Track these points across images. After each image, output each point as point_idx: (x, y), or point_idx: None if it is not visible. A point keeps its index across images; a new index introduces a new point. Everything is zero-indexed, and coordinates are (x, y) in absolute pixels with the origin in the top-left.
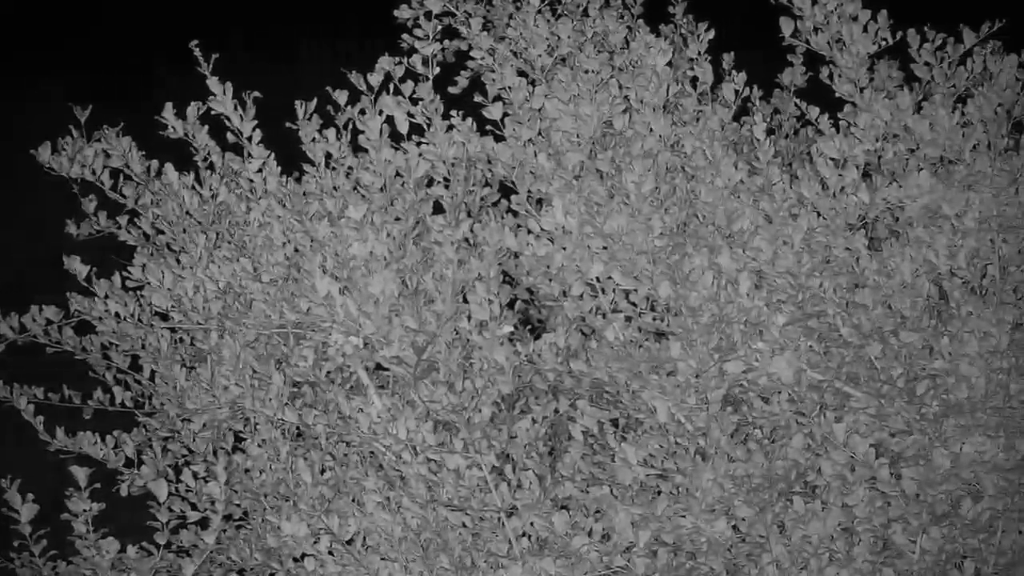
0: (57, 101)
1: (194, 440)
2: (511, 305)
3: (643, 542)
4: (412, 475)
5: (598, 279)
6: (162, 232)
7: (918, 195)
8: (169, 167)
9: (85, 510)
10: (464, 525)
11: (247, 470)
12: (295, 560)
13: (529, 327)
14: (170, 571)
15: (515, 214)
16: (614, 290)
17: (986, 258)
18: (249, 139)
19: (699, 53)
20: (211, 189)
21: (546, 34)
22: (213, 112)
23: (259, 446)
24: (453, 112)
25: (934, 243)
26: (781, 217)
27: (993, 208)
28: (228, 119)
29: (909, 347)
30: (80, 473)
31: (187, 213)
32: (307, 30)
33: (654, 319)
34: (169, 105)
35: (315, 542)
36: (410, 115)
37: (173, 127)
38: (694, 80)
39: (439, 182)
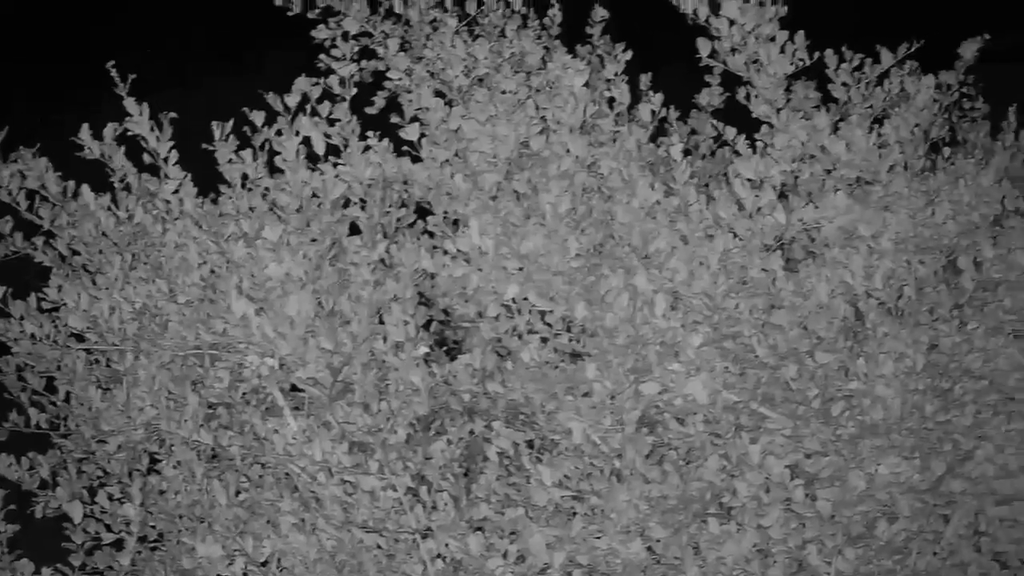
0: None
1: (109, 462)
2: (427, 326)
3: (558, 564)
4: (327, 496)
5: (514, 300)
6: (78, 253)
7: (834, 216)
8: (85, 188)
9: (0, 531)
10: (379, 547)
11: (162, 492)
12: None
13: (445, 348)
14: None
15: (431, 235)
16: (530, 311)
17: (902, 279)
18: (165, 160)
19: (616, 74)
20: (127, 210)
21: (463, 55)
22: (130, 133)
23: (174, 467)
24: (370, 133)
25: (850, 264)
26: (697, 238)
27: (909, 229)
28: (144, 140)
29: (825, 368)
30: None
31: (103, 234)
32: (225, 52)
33: (570, 340)
34: (85, 126)
35: (230, 564)
36: (327, 136)
37: (89, 148)
38: (611, 100)
39: (355, 203)
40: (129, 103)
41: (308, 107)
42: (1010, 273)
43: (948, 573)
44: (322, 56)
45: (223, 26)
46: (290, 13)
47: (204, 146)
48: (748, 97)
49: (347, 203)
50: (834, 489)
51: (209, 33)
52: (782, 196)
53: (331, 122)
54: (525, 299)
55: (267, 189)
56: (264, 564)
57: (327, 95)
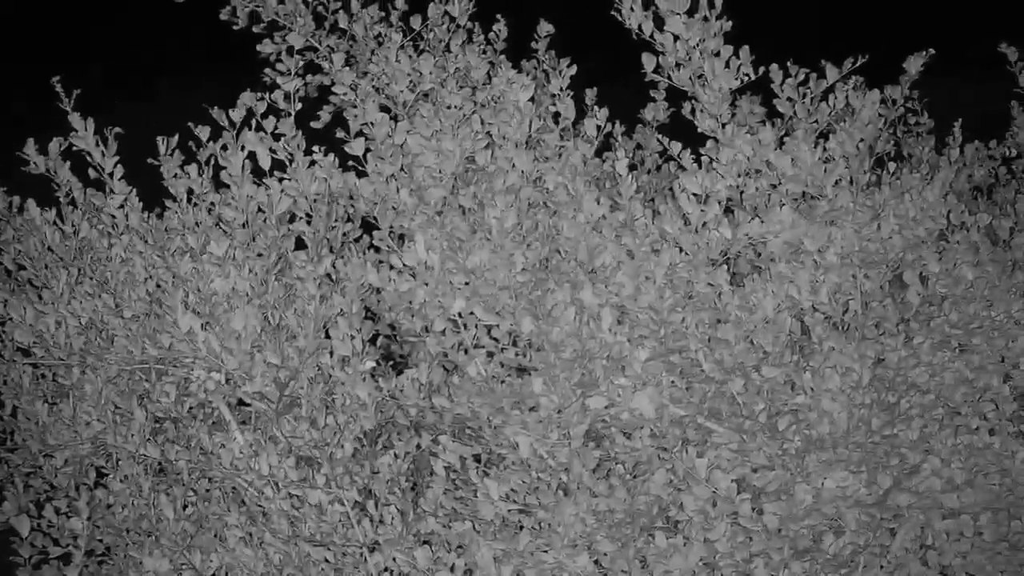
0: None
1: (56, 476)
2: (373, 341)
3: None
4: (274, 510)
5: (460, 314)
6: (24, 268)
7: (780, 230)
8: (31, 203)
9: None
10: (327, 560)
11: (109, 506)
12: None
13: (391, 363)
14: None
15: (377, 250)
16: (476, 326)
17: (848, 293)
18: (111, 175)
19: (561, 89)
20: (73, 225)
21: (408, 70)
22: (75, 148)
23: (121, 482)
24: (315, 148)
25: (796, 278)
26: (643, 252)
27: (855, 243)
28: (90, 155)
29: (771, 382)
30: None
31: (49, 249)
32: (168, 66)
33: (516, 355)
34: (31, 141)
35: None
36: (272, 151)
37: (35, 163)
38: (556, 115)
39: (301, 218)
40: (74, 118)
41: (253, 122)
42: (956, 287)
43: None
44: (267, 70)
45: (169, 40)
46: (236, 27)
47: (149, 161)
48: (693, 112)
49: (293, 218)
50: (781, 503)
51: (155, 47)
52: (728, 211)
53: (276, 137)
54: (471, 314)
55: (213, 204)
56: None
57: (272, 110)
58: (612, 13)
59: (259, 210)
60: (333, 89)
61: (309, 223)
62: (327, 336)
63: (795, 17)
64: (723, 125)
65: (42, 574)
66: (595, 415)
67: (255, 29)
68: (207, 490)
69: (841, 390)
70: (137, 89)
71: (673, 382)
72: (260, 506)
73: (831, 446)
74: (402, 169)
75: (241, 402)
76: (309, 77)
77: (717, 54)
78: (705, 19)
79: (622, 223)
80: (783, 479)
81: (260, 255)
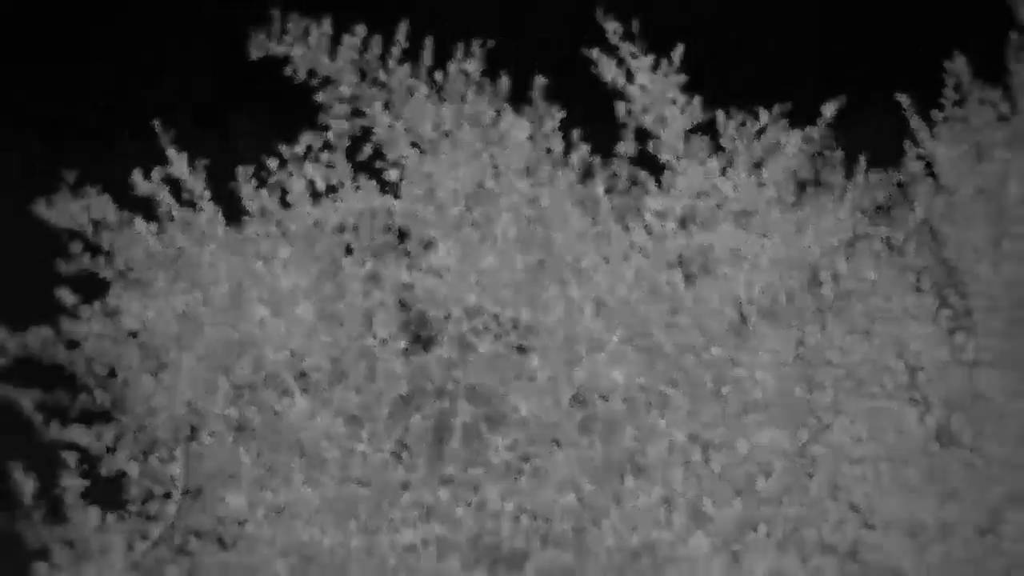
0: (40, 164)
1: (158, 432)
2: (406, 326)
3: (509, 510)
4: (328, 459)
5: (473, 305)
6: (132, 269)
7: (723, 240)
8: (138, 219)
9: (74, 486)
10: (369, 497)
11: (200, 455)
12: (238, 524)
13: (420, 343)
14: (141, 533)
15: (409, 254)
16: (485, 314)
17: (776, 290)
18: (200, 196)
19: (552, 129)
20: (171, 235)
21: (432, 115)
22: (172, 175)
23: (209, 436)
24: (361, 175)
25: (736, 278)
26: (617, 258)
27: (782, 250)
28: (184, 180)
29: (716, 359)
30: (70, 457)
31: (151, 255)
32: (244, 106)
33: (517, 337)
34: (137, 170)
35: (253, 511)
36: (327, 177)
37: (141, 187)
38: (548, 150)
39: (349, 230)
40: (171, 153)
41: (312, 154)
42: (861, 284)
43: (812, 519)
44: (322, 113)
45: (244, 84)
46: (296, 80)
47: (232, 185)
48: (656, 147)
49: (343, 229)
50: (724, 453)
51: (233, 88)
52: (682, 225)
53: (330, 166)
54: (482, 305)
55: (280, 219)
56: (280, 511)
57: (327, 145)
58: (593, 71)
59: (315, 224)
60: (373, 129)
61: (355, 234)
62: (370, 322)
63: (736, 69)
64: (679, 158)
65: (148, 508)
66: (579, 383)
67: (313, 82)
68: (276, 443)
69: (771, 365)
70: (217, 123)
71: (640, 358)
72: (317, 455)
73: (763, 408)
74: (428, 191)
75: (302, 373)
76: (355, 120)
77: (674, 102)
78: (665, 75)
79: (600, 234)
80: (726, 434)
81: (317, 259)
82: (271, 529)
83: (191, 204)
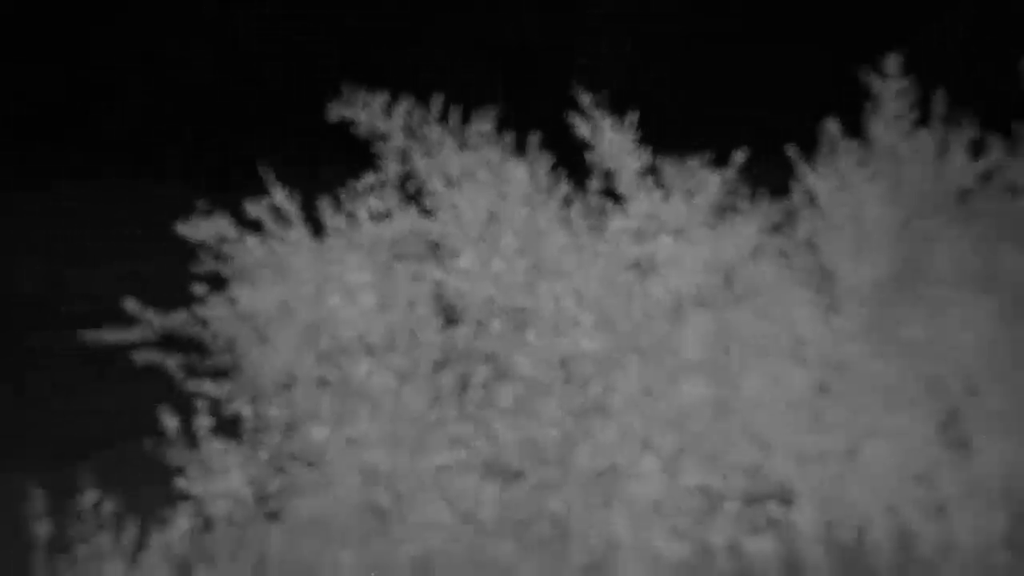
0: (177, 190)
1: (264, 385)
2: (440, 310)
3: (513, 439)
4: (385, 405)
5: (487, 296)
6: (245, 270)
7: (664, 249)
8: (251, 237)
9: (204, 424)
10: (413, 432)
11: (294, 402)
12: (321, 452)
13: (450, 323)
14: (252, 458)
15: (442, 260)
16: (496, 302)
17: (702, 284)
18: (293, 217)
19: (543, 172)
20: (271, 246)
21: (458, 160)
22: (275, 203)
23: (300, 389)
24: (407, 204)
25: (673, 276)
26: (588, 262)
27: (706, 256)
28: (282, 207)
29: (660, 334)
30: (202, 403)
31: (258, 260)
32: (327, 155)
33: (518, 318)
34: (250, 199)
35: (331, 442)
36: (383, 205)
37: (251, 211)
38: (541, 185)
39: (399, 242)
40: (275, 188)
41: (373, 188)
42: (761, 280)
43: (728, 446)
44: (380, 160)
45: (323, 132)
46: (358, 132)
47: (317, 214)
48: (616, 183)
49: (395, 242)
50: (665, 400)
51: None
52: (636, 238)
53: (385, 197)
54: (493, 296)
55: (350, 235)
56: (350, 442)
57: (383, 182)
58: (573, 129)
59: (375, 238)
60: (416, 170)
61: (403, 245)
62: (413, 308)
63: (677, 123)
64: (632, 191)
65: (257, 440)
66: (563, 349)
67: (374, 136)
68: (346, 393)
69: (698, 338)
70: (307, 165)
71: (605, 333)
72: (376, 403)
73: (693, 368)
74: (454, 216)
75: (366, 344)
76: (403, 165)
77: (629, 153)
78: (621, 131)
79: (577, 247)
80: (666, 386)
81: (376, 263)
82: (344, 455)
83: (287, 222)
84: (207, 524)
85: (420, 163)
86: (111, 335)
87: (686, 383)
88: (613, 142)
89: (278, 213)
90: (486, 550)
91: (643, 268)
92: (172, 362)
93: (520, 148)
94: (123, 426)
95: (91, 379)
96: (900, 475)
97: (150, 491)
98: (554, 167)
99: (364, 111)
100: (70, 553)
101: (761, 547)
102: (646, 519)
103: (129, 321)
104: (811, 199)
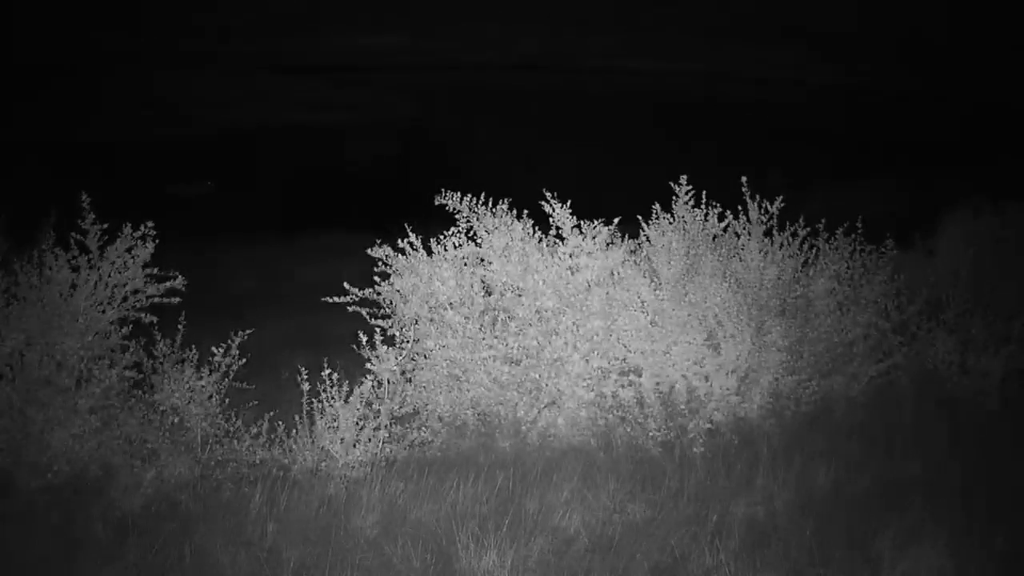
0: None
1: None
2: (484, 289)
3: (519, 348)
4: (456, 336)
5: (505, 282)
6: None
7: (584, 260)
8: (403, 257)
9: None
10: (465, 349)
11: (421, 355)
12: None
13: (487, 294)
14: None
15: (485, 264)
16: (510, 286)
17: (604, 276)
18: (418, 247)
19: (531, 225)
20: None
21: (491, 222)
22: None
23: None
24: (469, 239)
25: (590, 272)
26: (549, 265)
27: (602, 264)
28: (412, 243)
29: (585, 305)
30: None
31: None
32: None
33: (520, 294)
34: (378, 240)
35: (434, 348)
36: (458, 240)
37: (404, 245)
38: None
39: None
40: (409, 235)
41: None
42: (627, 274)
43: (614, 360)
44: (451, 229)
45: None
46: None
47: (429, 244)
48: (570, 241)
49: (483, 260)
50: (584, 333)
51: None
52: (570, 257)
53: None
54: (508, 282)
55: (443, 255)
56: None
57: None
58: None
59: (464, 260)
60: (477, 235)
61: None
62: (472, 287)
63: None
64: (588, 252)
65: (403, 346)
66: (538, 306)
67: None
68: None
69: (598, 300)
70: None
71: (561, 303)
72: (457, 328)
73: (594, 314)
74: (490, 246)
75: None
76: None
77: (579, 228)
78: (579, 225)
79: (545, 259)
80: (586, 328)
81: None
82: (438, 353)
83: (415, 249)
84: (379, 384)
85: (486, 239)
86: (348, 301)
87: (593, 321)
88: (560, 216)
89: (411, 245)
90: (504, 397)
91: (573, 269)
92: (364, 310)
93: (519, 216)
94: (340, 335)
95: (325, 312)
96: (688, 360)
97: (351, 358)
98: (534, 225)
99: (464, 207)
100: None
101: (627, 394)
102: (575, 381)
103: (347, 292)
104: (648, 239)
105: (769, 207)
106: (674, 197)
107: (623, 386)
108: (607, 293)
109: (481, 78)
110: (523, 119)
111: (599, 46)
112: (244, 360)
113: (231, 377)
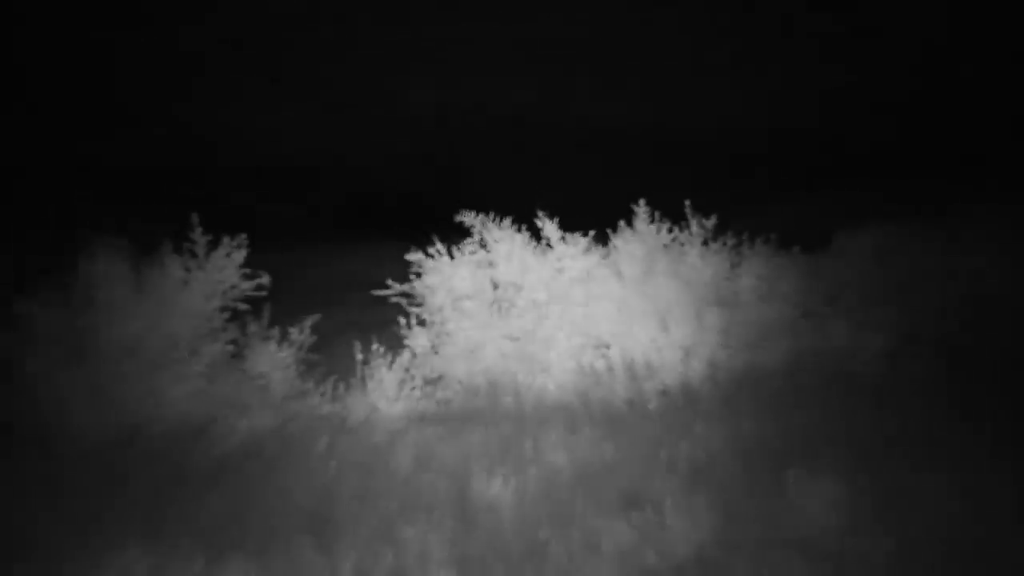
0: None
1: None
2: (495, 287)
3: (520, 305)
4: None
5: (507, 281)
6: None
7: (568, 263)
8: (430, 261)
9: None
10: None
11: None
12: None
13: (496, 288)
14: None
15: (493, 266)
16: (510, 282)
17: (583, 275)
18: (443, 254)
19: (528, 237)
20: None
21: (508, 243)
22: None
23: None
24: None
25: (573, 272)
26: (541, 266)
27: (583, 267)
28: (441, 251)
29: (565, 299)
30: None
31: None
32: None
33: (518, 288)
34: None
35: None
36: (473, 249)
37: (433, 253)
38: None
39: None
40: (438, 246)
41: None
42: (599, 274)
43: (589, 333)
44: (476, 243)
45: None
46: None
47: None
48: (550, 242)
49: (489, 265)
50: (564, 308)
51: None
52: (557, 261)
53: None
54: (511, 280)
55: (460, 259)
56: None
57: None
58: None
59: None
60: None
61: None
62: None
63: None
64: (571, 257)
65: (432, 326)
66: (532, 297)
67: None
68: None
69: (579, 294)
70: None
71: (549, 297)
72: (472, 313)
73: (576, 303)
74: (496, 251)
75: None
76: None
77: (563, 240)
78: (563, 237)
79: (539, 262)
80: (568, 307)
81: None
82: (459, 326)
83: (440, 255)
84: (414, 355)
85: (494, 251)
86: (391, 293)
87: (574, 309)
88: (549, 230)
89: (438, 252)
90: (507, 366)
91: (559, 270)
92: (405, 300)
93: (518, 230)
94: (385, 319)
95: (373, 302)
96: (646, 338)
97: (393, 337)
98: (530, 236)
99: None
100: None
101: (600, 364)
102: (560, 354)
103: (390, 287)
104: (615, 247)
105: (705, 223)
106: (635, 216)
107: (597, 358)
108: (585, 288)
109: (494, 122)
110: (522, 157)
111: (580, 96)
112: (313, 338)
113: (303, 350)
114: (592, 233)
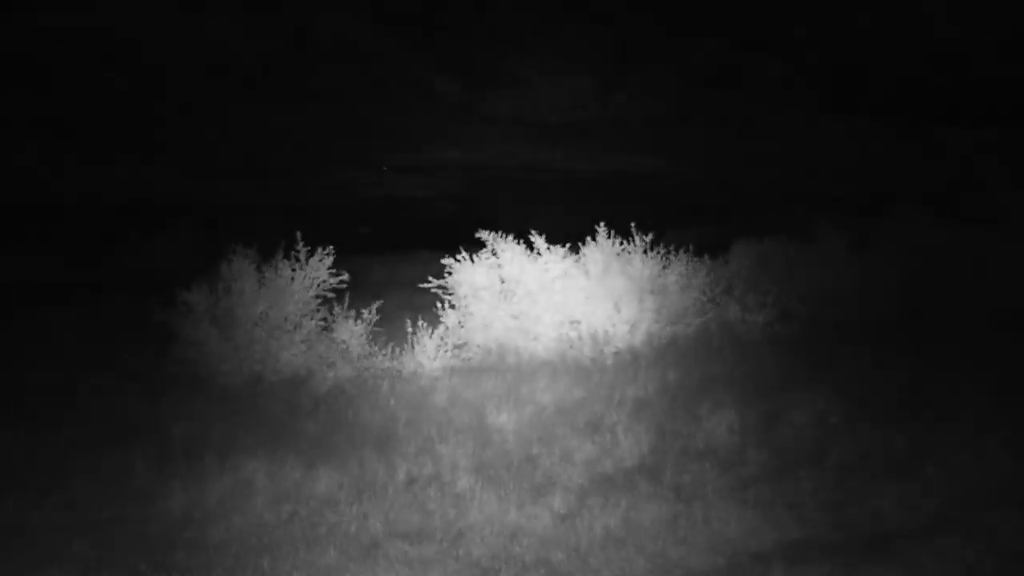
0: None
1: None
2: (502, 281)
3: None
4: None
5: (513, 275)
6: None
7: (554, 265)
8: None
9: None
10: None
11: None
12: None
13: (503, 283)
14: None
15: (501, 268)
16: (512, 275)
17: (562, 273)
18: (465, 257)
19: (528, 253)
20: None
21: (511, 252)
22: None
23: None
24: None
25: (555, 270)
26: (535, 265)
27: (564, 268)
28: (449, 268)
29: (573, 304)
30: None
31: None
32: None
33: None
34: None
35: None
36: (490, 267)
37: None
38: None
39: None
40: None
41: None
42: (571, 273)
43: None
44: (490, 252)
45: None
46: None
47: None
48: (545, 257)
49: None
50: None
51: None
52: (545, 262)
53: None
54: (514, 274)
55: (470, 260)
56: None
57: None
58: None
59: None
60: (496, 255)
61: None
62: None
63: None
64: (554, 261)
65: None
66: (531, 297)
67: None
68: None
69: (562, 287)
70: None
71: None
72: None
73: (559, 295)
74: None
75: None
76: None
77: (548, 249)
78: (549, 248)
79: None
80: (555, 297)
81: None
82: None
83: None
84: (447, 328)
85: (504, 257)
86: (431, 286)
87: (555, 297)
88: (539, 243)
89: (464, 258)
90: (510, 336)
91: (546, 270)
92: (441, 291)
93: (518, 243)
94: (427, 304)
95: (419, 292)
96: (605, 317)
97: (432, 316)
98: (526, 247)
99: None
100: None
101: (573, 334)
102: (546, 328)
103: (431, 282)
104: (584, 255)
105: (645, 239)
106: (597, 234)
107: (571, 330)
108: (563, 282)
109: (501, 173)
110: (523, 193)
111: (561, 156)
112: (378, 316)
113: (371, 324)
114: (568, 245)
